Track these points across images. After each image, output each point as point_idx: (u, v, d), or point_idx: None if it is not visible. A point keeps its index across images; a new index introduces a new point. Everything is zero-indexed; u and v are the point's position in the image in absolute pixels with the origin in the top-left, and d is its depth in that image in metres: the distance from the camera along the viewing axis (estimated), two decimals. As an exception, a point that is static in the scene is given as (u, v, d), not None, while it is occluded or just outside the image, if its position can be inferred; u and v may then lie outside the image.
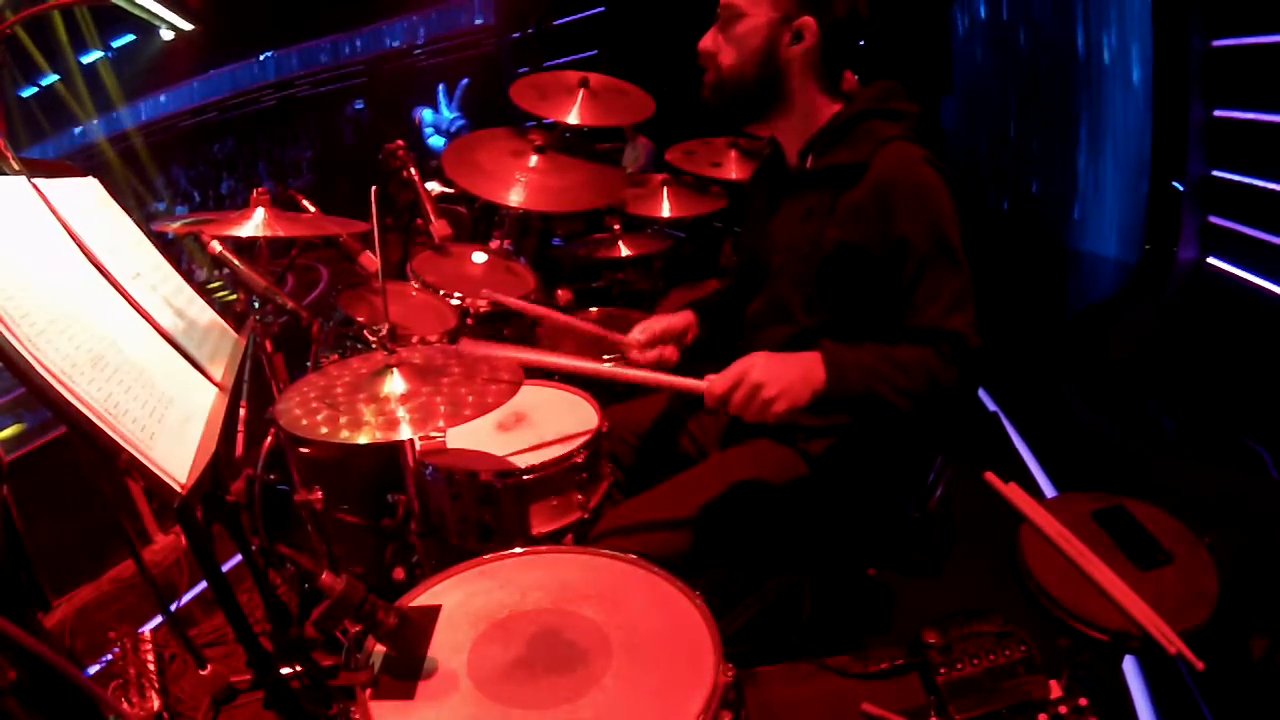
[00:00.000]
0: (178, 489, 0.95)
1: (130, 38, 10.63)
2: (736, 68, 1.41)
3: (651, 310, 2.45)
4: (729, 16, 1.40)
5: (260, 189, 1.81)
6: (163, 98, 11.94)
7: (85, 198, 1.34)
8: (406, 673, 1.03)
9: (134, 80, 10.82)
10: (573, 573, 1.22)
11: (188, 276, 1.52)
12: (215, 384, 1.28)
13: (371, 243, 1.94)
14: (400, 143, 2.46)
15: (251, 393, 1.94)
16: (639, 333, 1.60)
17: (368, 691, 1.00)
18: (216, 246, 1.70)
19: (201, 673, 1.86)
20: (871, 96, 1.44)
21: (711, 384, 1.27)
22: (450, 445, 1.53)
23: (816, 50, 1.39)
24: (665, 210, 3.07)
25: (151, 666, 1.87)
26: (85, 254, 1.17)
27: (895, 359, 1.31)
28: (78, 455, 1.85)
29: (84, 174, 1.42)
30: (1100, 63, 4.97)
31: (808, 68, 1.41)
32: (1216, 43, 3.97)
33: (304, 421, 1.18)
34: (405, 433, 1.16)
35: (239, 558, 1.67)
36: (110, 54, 10.48)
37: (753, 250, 1.62)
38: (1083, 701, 1.16)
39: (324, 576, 0.98)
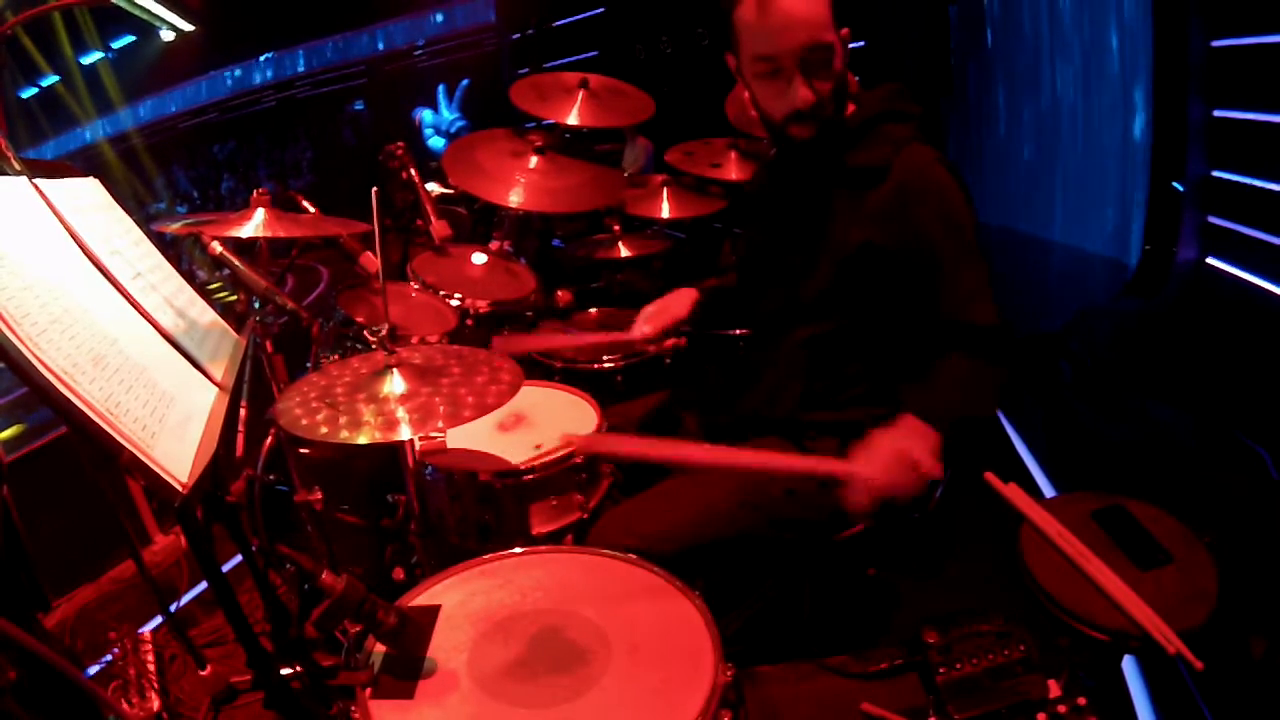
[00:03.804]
0: (179, 488, 0.95)
1: (130, 38, 10.62)
2: (841, 99, 1.42)
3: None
4: (821, 57, 1.36)
5: (261, 189, 1.82)
6: (163, 98, 11.94)
7: (86, 198, 1.34)
8: (406, 672, 1.03)
9: (134, 81, 10.82)
10: (573, 573, 1.22)
11: (188, 277, 1.52)
12: (216, 384, 1.29)
13: (372, 243, 1.94)
14: (400, 144, 2.46)
15: (251, 393, 1.94)
16: (645, 325, 1.63)
17: (368, 691, 1.01)
18: (217, 247, 1.69)
19: (201, 673, 1.86)
20: (882, 98, 1.46)
21: (867, 472, 1.20)
22: (450, 445, 1.53)
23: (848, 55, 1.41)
24: (665, 211, 3.06)
25: (151, 666, 1.87)
26: (86, 254, 1.18)
27: (958, 380, 1.35)
28: (78, 455, 1.85)
29: (84, 174, 1.42)
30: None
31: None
32: (1216, 43, 3.96)
33: (304, 421, 1.18)
34: (405, 433, 1.16)
35: (239, 558, 1.67)
36: (110, 54, 10.48)
37: (765, 250, 1.62)
38: (1082, 701, 1.15)
39: (324, 576, 0.98)
